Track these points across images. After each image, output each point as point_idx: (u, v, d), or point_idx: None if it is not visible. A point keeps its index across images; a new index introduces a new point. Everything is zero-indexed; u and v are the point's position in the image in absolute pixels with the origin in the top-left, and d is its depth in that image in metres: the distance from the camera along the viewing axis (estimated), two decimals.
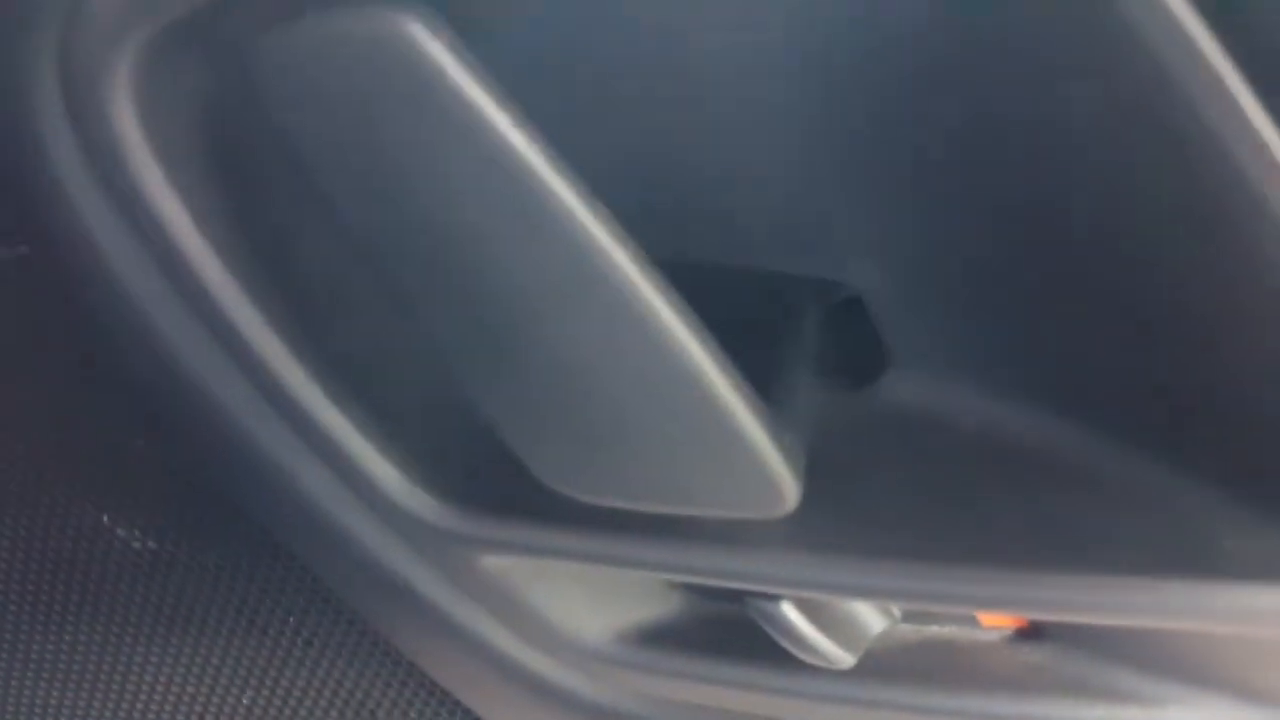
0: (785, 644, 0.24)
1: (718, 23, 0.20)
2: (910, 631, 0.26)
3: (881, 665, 0.26)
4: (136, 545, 0.30)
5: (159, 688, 0.34)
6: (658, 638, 0.27)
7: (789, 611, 0.24)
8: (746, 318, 0.24)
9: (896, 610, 0.26)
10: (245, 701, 0.34)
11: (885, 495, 0.24)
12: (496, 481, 0.24)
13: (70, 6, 0.18)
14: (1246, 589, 0.21)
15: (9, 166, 0.21)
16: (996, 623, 0.26)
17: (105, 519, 0.30)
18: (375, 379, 0.24)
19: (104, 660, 0.34)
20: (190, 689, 0.34)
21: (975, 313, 0.23)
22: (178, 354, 0.23)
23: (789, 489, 0.21)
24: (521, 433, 0.21)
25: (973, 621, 0.26)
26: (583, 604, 0.26)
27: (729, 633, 0.26)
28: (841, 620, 0.25)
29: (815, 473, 0.23)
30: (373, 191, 0.19)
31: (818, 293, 0.25)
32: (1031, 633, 0.26)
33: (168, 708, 0.35)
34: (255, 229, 0.22)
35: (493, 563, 0.25)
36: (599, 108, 0.21)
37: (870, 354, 0.25)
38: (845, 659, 0.25)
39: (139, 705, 0.35)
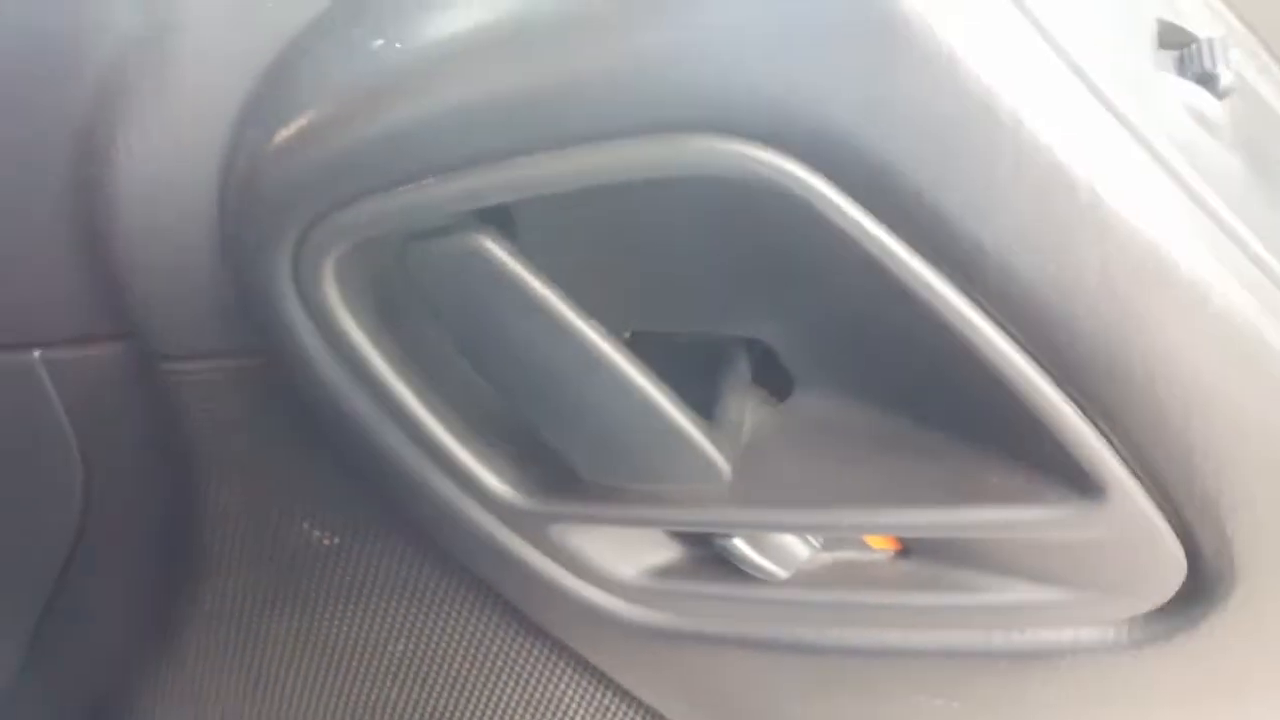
0: (741, 566, 0.39)
1: (669, 219, 0.34)
2: (826, 555, 0.40)
3: (807, 577, 0.39)
4: (326, 542, 0.46)
5: (339, 644, 0.50)
6: (667, 572, 0.41)
7: (739, 544, 0.38)
8: (698, 363, 0.39)
9: (816, 541, 0.40)
10: (398, 650, 0.49)
11: (794, 467, 0.38)
12: (555, 478, 0.38)
13: (299, 238, 0.34)
14: (1005, 509, 0.35)
15: (260, 319, 0.36)
16: (882, 546, 0.40)
17: (306, 525, 0.46)
18: (481, 423, 0.39)
19: (302, 626, 0.50)
20: (359, 643, 0.50)
21: (843, 356, 0.37)
22: (358, 419, 0.38)
23: (723, 468, 0.35)
24: (569, 447, 0.36)
25: (866, 547, 0.40)
26: (618, 553, 0.41)
27: (709, 564, 0.41)
28: (777, 548, 0.39)
29: (749, 456, 0.37)
30: (474, 334, 0.34)
31: (745, 345, 0.39)
32: (903, 552, 0.40)
33: (345, 658, 0.50)
34: (407, 343, 0.37)
35: (557, 529, 0.40)
36: (603, 256, 0.36)
37: (782, 381, 0.39)
38: (780, 574, 0.39)
39: (327, 658, 0.50)
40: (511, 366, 0.34)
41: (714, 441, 0.35)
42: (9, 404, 0.47)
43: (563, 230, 0.35)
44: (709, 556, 0.41)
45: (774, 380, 0.39)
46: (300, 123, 0.32)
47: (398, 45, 0.30)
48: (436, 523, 0.41)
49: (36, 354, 0.45)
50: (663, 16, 0.28)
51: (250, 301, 0.37)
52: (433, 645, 0.48)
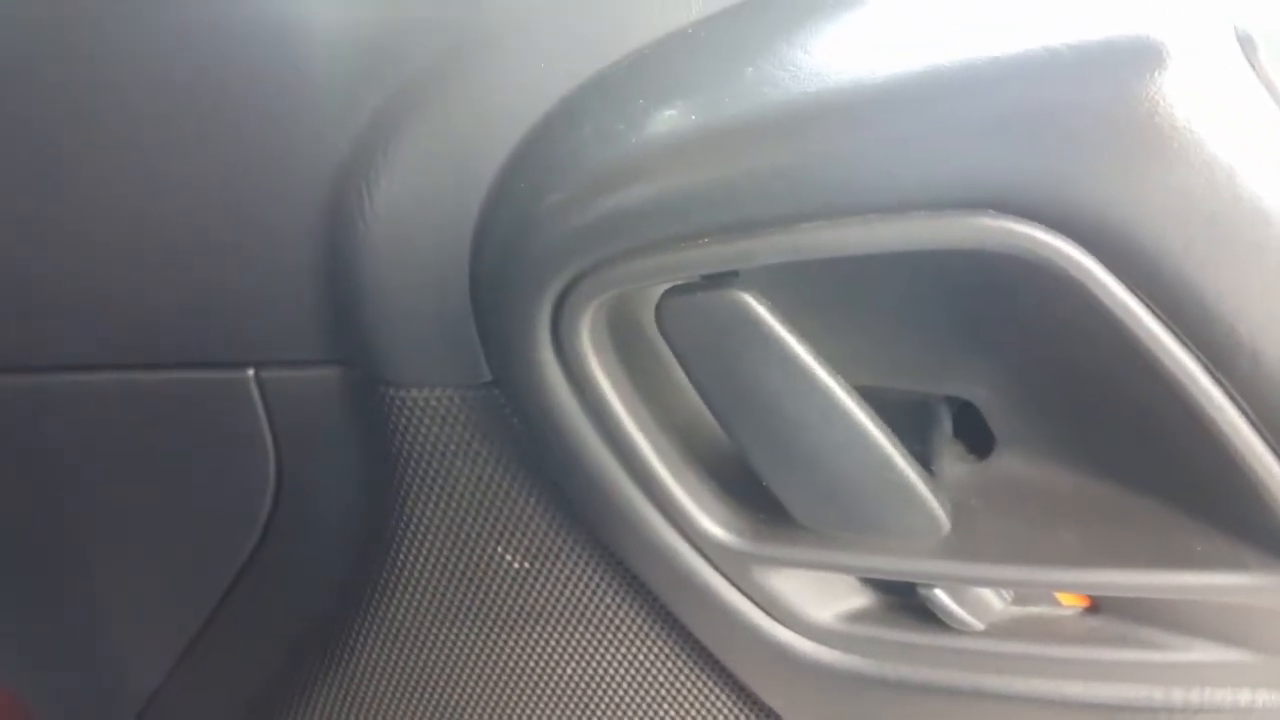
0: (941, 616, 0.41)
1: (908, 282, 0.37)
2: (1017, 608, 0.42)
3: (1000, 629, 0.41)
4: (516, 565, 0.48)
5: (511, 662, 0.52)
6: (860, 617, 0.43)
7: (942, 596, 0.40)
8: (912, 416, 0.41)
9: (1008, 595, 0.42)
10: (567, 672, 0.52)
11: (999, 524, 0.40)
12: (766, 521, 0.41)
13: (563, 289, 0.36)
14: (1208, 574, 0.36)
15: (504, 355, 0.39)
16: (1071, 602, 0.42)
17: (499, 549, 0.48)
18: (698, 463, 0.41)
19: (477, 642, 0.52)
20: (531, 663, 0.52)
21: (1055, 420, 0.39)
22: (585, 452, 0.40)
23: (944, 523, 0.37)
24: (792, 493, 0.38)
25: (1056, 601, 0.42)
26: (814, 596, 0.43)
27: (903, 611, 0.43)
28: (975, 600, 0.41)
29: (955, 511, 0.39)
30: (719, 382, 0.36)
31: (946, 400, 0.42)
32: (1093, 608, 0.42)
33: (515, 676, 0.52)
34: (640, 383, 0.39)
35: (759, 570, 0.42)
36: (834, 310, 0.38)
37: (981, 437, 0.41)
38: (977, 625, 0.41)
39: (497, 675, 0.53)
40: (752, 413, 0.37)
41: (939, 500, 0.37)
42: (214, 415, 0.49)
43: (797, 285, 0.38)
44: (902, 604, 0.43)
45: (972, 436, 0.42)
46: (578, 182, 0.35)
47: (693, 117, 0.33)
48: (638, 554, 0.43)
49: (250, 372, 0.47)
50: (950, 97, 0.30)
51: (497, 338, 0.39)
52: (601, 669, 0.50)
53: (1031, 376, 0.38)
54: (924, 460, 0.40)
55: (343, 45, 0.39)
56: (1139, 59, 0.28)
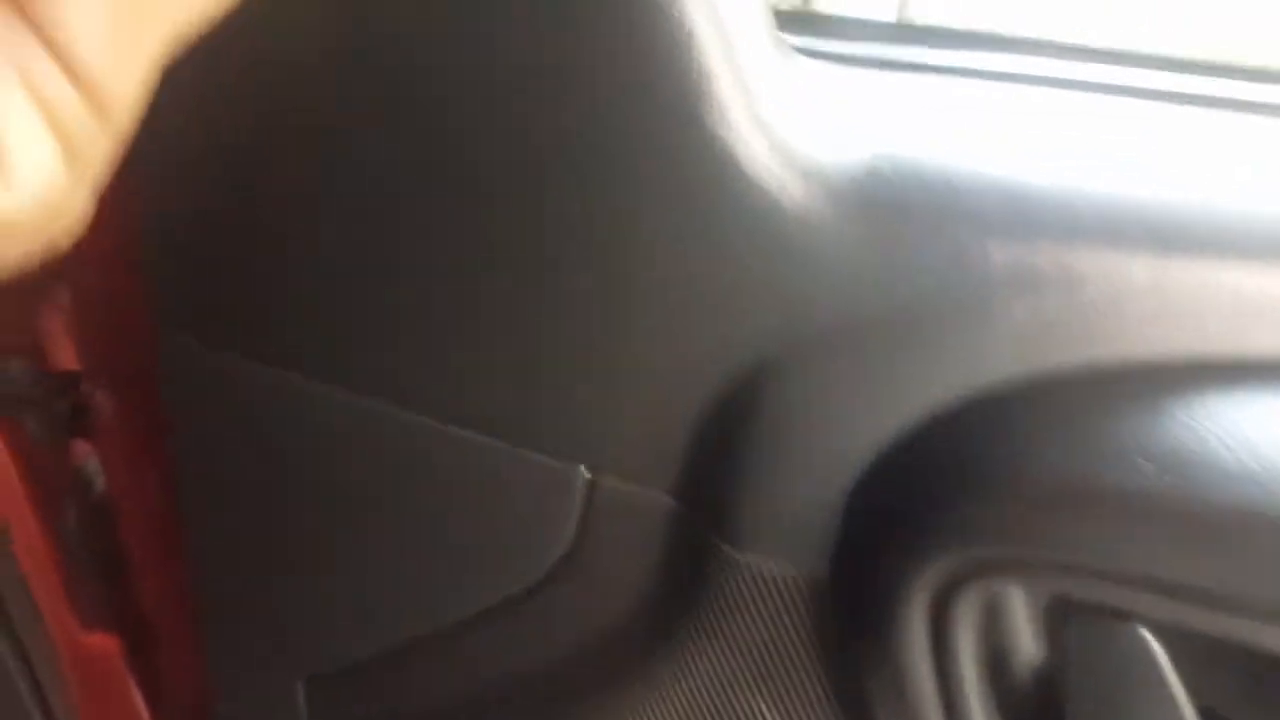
0: None
1: None
2: None
3: None
4: (768, 717, 0.51)
5: None
6: None
7: None
8: None
9: None
10: None
11: None
12: None
13: (971, 574, 0.39)
14: None
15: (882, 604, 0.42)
16: None
17: (759, 702, 0.51)
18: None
19: None
20: None
21: None
22: (909, 686, 0.43)
23: None
24: None
25: None
26: None
27: None
28: None
29: None
30: (1093, 702, 0.39)
31: None
32: None
33: None
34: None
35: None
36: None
37: None
38: None
39: None
40: None
41: None
42: (531, 492, 0.51)
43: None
44: None
45: None
46: (1038, 488, 0.37)
47: (1165, 479, 0.35)
48: None
49: (582, 468, 0.50)
50: None
51: (863, 563, 0.42)
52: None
53: None
54: None
55: None
56: None
